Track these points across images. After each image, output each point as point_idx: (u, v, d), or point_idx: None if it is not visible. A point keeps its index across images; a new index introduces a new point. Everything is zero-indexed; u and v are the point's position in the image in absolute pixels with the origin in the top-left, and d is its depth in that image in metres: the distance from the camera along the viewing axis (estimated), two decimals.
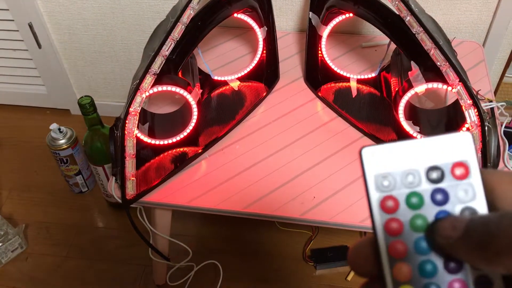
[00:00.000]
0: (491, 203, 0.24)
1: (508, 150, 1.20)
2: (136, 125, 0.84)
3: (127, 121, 0.82)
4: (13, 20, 1.36)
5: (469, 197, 0.24)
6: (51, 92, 1.56)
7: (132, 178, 0.86)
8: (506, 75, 1.32)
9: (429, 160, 0.25)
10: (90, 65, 1.45)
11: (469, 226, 0.23)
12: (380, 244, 0.24)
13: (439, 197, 0.24)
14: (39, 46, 1.39)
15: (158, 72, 0.84)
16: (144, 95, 0.83)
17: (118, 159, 0.83)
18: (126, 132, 0.83)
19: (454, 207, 0.24)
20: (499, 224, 0.21)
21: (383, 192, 0.25)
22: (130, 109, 0.82)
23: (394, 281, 0.24)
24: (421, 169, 0.24)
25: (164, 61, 0.84)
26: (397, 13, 0.83)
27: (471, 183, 0.24)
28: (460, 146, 0.25)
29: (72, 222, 1.34)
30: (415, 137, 0.90)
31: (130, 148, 0.84)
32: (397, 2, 0.82)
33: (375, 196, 0.25)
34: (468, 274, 0.24)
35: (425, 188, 0.24)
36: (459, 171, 0.24)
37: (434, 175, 0.24)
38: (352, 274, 1.17)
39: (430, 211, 0.24)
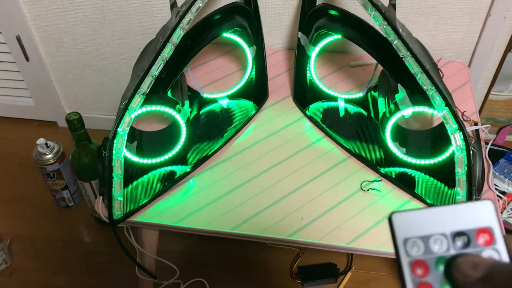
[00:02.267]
0: None
1: (493, 168, 1.22)
2: (124, 145, 0.84)
3: (115, 142, 0.82)
4: (0, 33, 1.35)
5: None
6: (39, 105, 1.55)
7: (119, 199, 0.85)
8: (491, 92, 1.35)
9: (455, 225, 0.26)
10: (78, 78, 1.45)
11: (493, 270, 0.23)
12: None
13: None
14: (27, 59, 1.39)
15: (147, 92, 0.84)
16: (132, 116, 0.83)
17: (105, 180, 0.83)
18: (114, 153, 0.82)
19: None
20: None
21: (413, 256, 0.26)
22: (118, 129, 0.82)
23: None
24: (447, 234, 0.26)
25: (153, 81, 0.84)
26: (385, 36, 0.84)
27: (496, 249, 0.25)
28: (483, 213, 0.26)
29: (58, 237, 1.33)
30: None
31: (117, 169, 0.84)
32: (385, 26, 0.83)
33: (406, 260, 0.26)
34: None
35: (453, 253, 0.26)
36: (483, 237, 0.26)
37: (461, 240, 0.26)
38: None
39: None
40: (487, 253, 0.25)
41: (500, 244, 0.25)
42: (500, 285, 0.22)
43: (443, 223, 0.26)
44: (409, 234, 0.26)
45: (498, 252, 0.25)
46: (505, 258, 0.25)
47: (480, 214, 0.26)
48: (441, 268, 0.25)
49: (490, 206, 0.26)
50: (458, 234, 0.26)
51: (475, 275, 0.23)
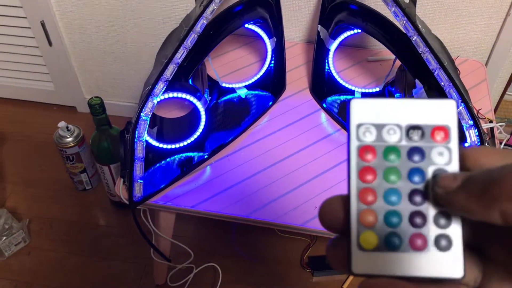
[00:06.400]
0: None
1: None
2: (146, 130, 0.86)
3: (137, 126, 0.85)
4: (25, 18, 1.38)
5: (445, 160, 0.25)
6: (59, 89, 1.58)
7: (140, 181, 0.88)
8: (507, 93, 1.35)
9: (412, 119, 0.26)
10: (99, 65, 1.48)
11: (470, 176, 0.23)
12: (352, 188, 0.25)
13: (415, 154, 0.25)
14: (50, 44, 1.42)
15: (170, 79, 0.86)
16: (155, 101, 0.86)
17: (127, 162, 0.86)
18: (136, 136, 0.85)
19: (428, 167, 0.25)
20: (500, 171, 0.21)
21: (363, 141, 0.26)
22: (141, 114, 0.85)
23: (359, 225, 0.25)
24: (403, 126, 0.26)
25: (176, 69, 0.87)
26: (404, 32, 0.86)
27: (449, 147, 0.25)
28: (443, 111, 0.26)
29: (75, 219, 1.36)
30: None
31: (139, 152, 0.86)
32: (404, 22, 0.85)
33: (355, 144, 0.26)
34: (430, 230, 0.25)
35: (404, 144, 0.26)
36: (438, 135, 0.25)
37: (414, 133, 0.25)
38: (348, 282, 1.20)
39: (404, 166, 0.25)
40: (438, 149, 0.25)
41: (453, 144, 0.25)
42: (477, 188, 0.22)
43: (400, 115, 0.26)
44: (364, 120, 0.26)
45: (449, 150, 0.25)
46: (455, 157, 0.25)
47: (441, 112, 0.25)
48: (391, 157, 0.25)
49: (452, 105, 0.26)
50: (413, 127, 0.26)
51: (454, 185, 0.23)
